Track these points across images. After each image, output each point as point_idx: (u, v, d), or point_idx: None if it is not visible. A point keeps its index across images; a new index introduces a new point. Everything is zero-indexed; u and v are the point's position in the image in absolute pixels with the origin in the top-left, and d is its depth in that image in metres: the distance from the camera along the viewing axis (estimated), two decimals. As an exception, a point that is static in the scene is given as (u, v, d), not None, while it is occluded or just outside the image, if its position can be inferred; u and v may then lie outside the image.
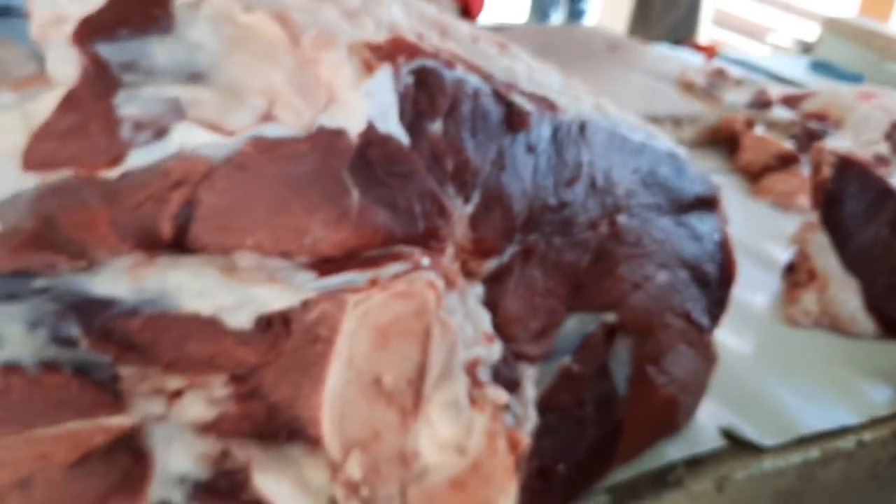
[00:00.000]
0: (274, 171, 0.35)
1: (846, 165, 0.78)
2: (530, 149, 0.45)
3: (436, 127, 0.40)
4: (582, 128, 0.48)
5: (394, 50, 0.39)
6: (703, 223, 0.58)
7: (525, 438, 0.41)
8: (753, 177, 1.06)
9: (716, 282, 0.58)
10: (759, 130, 1.10)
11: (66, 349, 0.32)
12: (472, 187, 0.42)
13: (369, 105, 0.37)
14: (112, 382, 0.34)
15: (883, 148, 1.20)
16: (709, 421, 0.59)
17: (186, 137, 0.34)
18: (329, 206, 0.36)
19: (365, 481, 0.38)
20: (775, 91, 1.44)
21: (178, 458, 0.35)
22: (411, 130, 0.39)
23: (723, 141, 1.14)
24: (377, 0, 0.43)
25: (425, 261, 0.38)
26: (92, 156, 0.34)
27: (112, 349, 0.33)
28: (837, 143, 1.10)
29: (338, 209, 0.36)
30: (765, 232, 0.94)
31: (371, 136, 0.37)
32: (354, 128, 0.36)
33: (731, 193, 1.01)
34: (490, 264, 0.43)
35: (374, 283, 0.36)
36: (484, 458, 0.39)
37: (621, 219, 0.50)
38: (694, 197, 0.57)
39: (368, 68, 0.37)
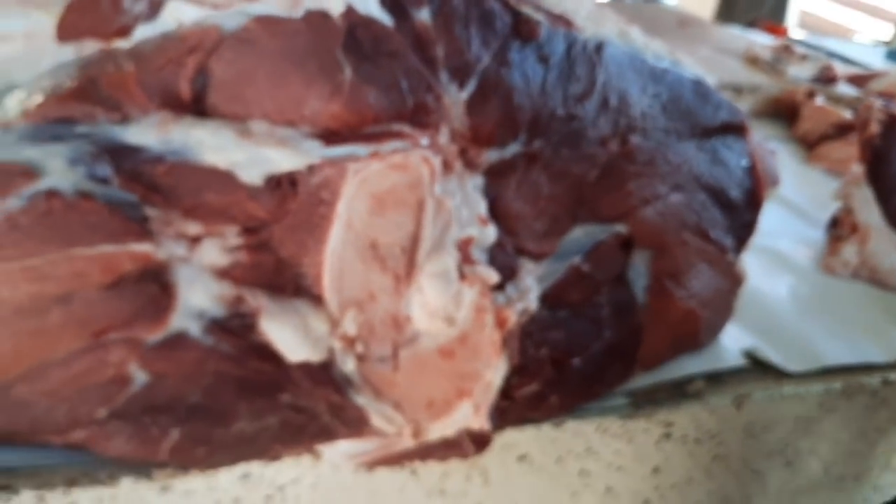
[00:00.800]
0: (275, 46, 0.39)
1: (893, 120, 0.78)
2: (542, 58, 0.47)
3: (422, 15, 0.43)
4: (598, 48, 0.50)
5: None
6: (728, 149, 0.60)
7: (512, 317, 0.44)
8: (810, 145, 1.06)
9: (742, 205, 0.60)
10: (819, 101, 1.10)
11: (100, 185, 0.37)
12: (467, 75, 0.45)
13: None
14: (141, 222, 0.38)
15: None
16: (733, 343, 0.61)
17: (178, 13, 0.39)
18: (324, 80, 0.40)
19: (360, 338, 0.42)
20: (842, 70, 1.42)
21: (198, 295, 0.39)
22: (394, 14, 0.42)
23: (783, 111, 1.14)
24: None
25: (424, 140, 0.42)
26: (104, 25, 0.39)
27: (139, 189, 0.38)
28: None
29: (331, 83, 0.40)
30: (817, 196, 0.94)
31: (354, 18, 0.41)
32: (335, 10, 0.40)
33: (787, 160, 1.01)
34: (490, 155, 0.46)
35: (374, 155, 0.40)
36: (472, 330, 0.43)
37: (634, 139, 0.52)
38: (719, 123, 0.59)
39: None
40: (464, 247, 0.43)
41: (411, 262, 0.41)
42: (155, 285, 0.39)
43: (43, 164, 0.37)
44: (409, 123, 0.42)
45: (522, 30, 0.47)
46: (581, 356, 0.50)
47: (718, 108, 0.59)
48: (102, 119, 0.38)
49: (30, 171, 0.36)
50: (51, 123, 0.38)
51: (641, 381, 0.55)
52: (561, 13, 0.50)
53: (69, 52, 0.42)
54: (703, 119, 0.58)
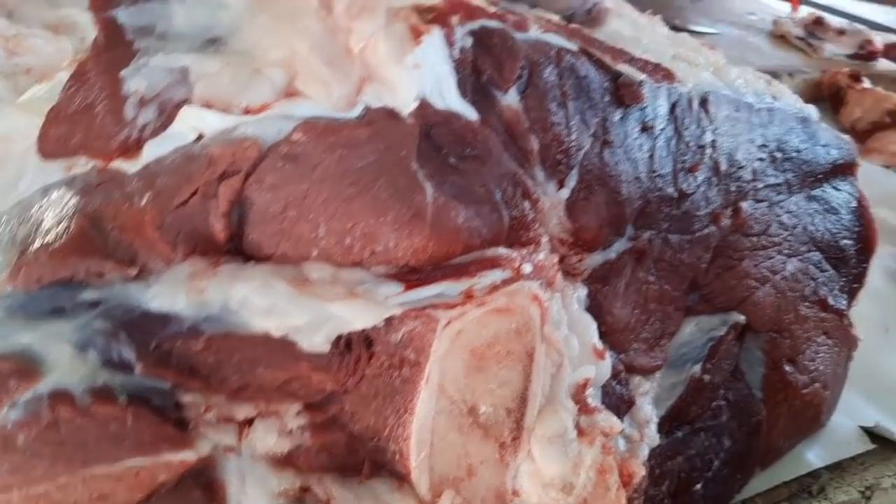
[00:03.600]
0: (331, 162, 0.30)
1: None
2: (645, 128, 0.38)
3: (510, 98, 0.34)
4: (704, 101, 0.41)
5: (448, 10, 0.33)
6: (838, 192, 0.51)
7: (640, 470, 0.35)
8: (861, 135, 0.97)
9: (854, 254, 0.51)
10: (866, 84, 1.01)
11: (120, 374, 0.28)
12: (568, 168, 0.36)
13: (419, 78, 0.31)
14: (173, 411, 0.29)
15: None
16: (848, 416, 0.53)
17: (197, 121, 0.29)
18: (399, 203, 0.30)
19: (459, 523, 0.33)
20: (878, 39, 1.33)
21: (254, 494, 0.30)
22: (477, 103, 0.33)
23: (826, 96, 1.04)
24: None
25: (527, 267, 0.32)
26: (100, 140, 0.29)
27: (171, 375, 0.28)
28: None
29: (409, 207, 0.30)
30: (877, 195, 0.85)
31: (431, 116, 0.31)
32: (405, 107, 0.31)
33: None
34: (594, 260, 0.37)
35: (468, 296, 0.31)
36: (593, 496, 0.34)
37: (746, 206, 0.43)
38: (829, 165, 0.50)
39: (415, 35, 0.32)
40: (580, 393, 0.34)
41: (519, 424, 0.32)
42: (197, 490, 0.29)
43: (43, 355, 0.27)
44: (505, 243, 0.33)
45: (625, 94, 0.38)
46: (703, 479, 0.41)
47: (828, 149, 0.50)
48: (114, 277, 0.29)
49: (26, 368, 0.27)
50: (47, 288, 0.28)
51: (758, 482, 0.47)
52: (656, 63, 0.41)
53: (56, 171, 0.32)
54: (814, 164, 0.49)
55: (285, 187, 0.30)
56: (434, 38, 0.32)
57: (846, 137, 0.52)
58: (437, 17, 0.33)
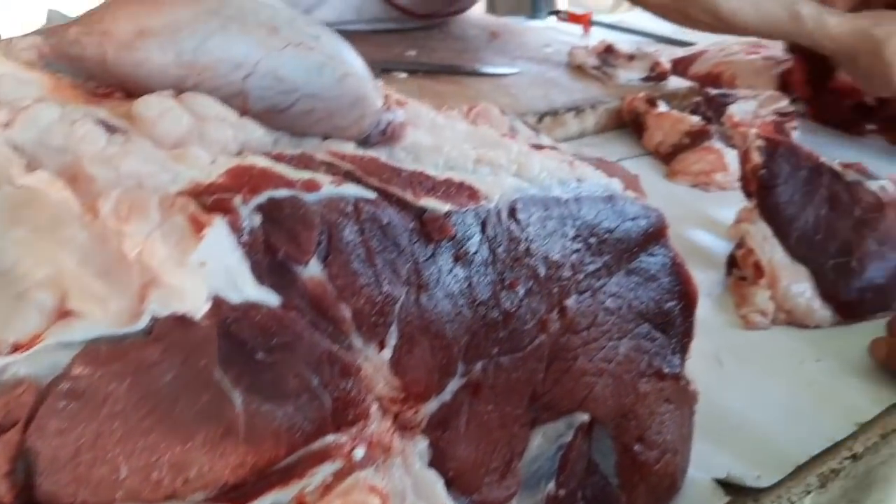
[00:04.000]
0: (120, 393, 0.27)
1: (773, 147, 0.74)
2: (458, 258, 0.37)
3: (311, 269, 0.32)
4: (513, 210, 0.41)
5: (229, 186, 0.31)
6: (654, 258, 0.52)
7: None
8: (666, 158, 1.01)
9: (679, 314, 0.52)
10: (661, 107, 1.06)
11: None
12: (386, 326, 0.34)
13: (208, 276, 0.29)
14: None
15: (783, 102, 1.17)
16: (701, 469, 0.54)
17: None
18: (208, 424, 0.27)
19: None
20: (664, 56, 1.40)
21: None
22: (277, 286, 0.31)
23: (628, 123, 1.09)
24: (216, 114, 0.35)
25: (359, 451, 0.30)
26: None
27: None
28: (742, 108, 1.06)
29: (220, 425, 0.28)
30: (689, 217, 0.89)
31: (228, 313, 0.29)
32: (196, 311, 0.28)
33: (647, 178, 0.95)
34: (429, 408, 0.36)
35: (300, 502, 0.28)
36: None
37: (571, 302, 0.43)
38: (641, 236, 0.50)
39: (196, 229, 0.29)
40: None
41: None
42: None
43: None
44: (332, 429, 0.30)
45: (433, 231, 0.36)
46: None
47: (637, 220, 0.51)
48: None
49: None
50: None
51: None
52: (460, 181, 0.40)
53: None
54: (627, 240, 0.49)
55: (73, 430, 0.27)
56: (218, 228, 0.29)
57: (652, 206, 0.53)
58: (217, 202, 0.30)
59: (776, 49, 1.32)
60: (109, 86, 0.37)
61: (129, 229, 0.28)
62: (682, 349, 0.53)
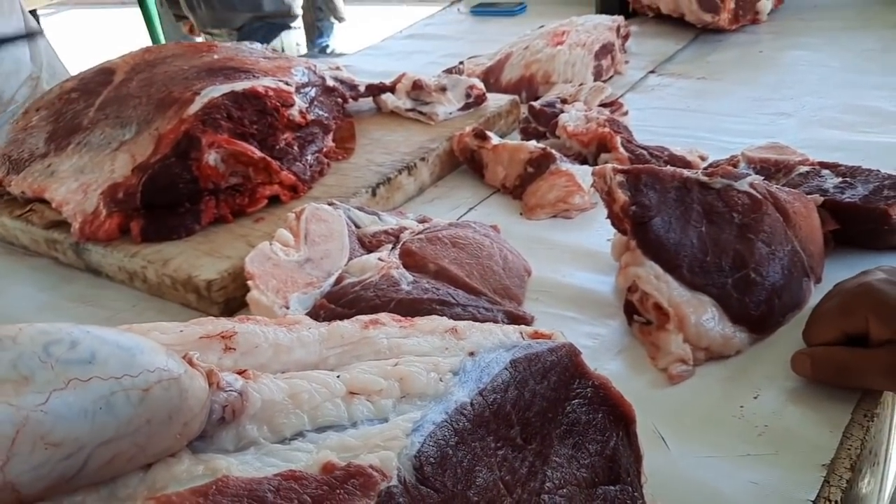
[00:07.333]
0: None
1: (636, 178, 0.67)
2: None
3: None
4: (420, 471, 0.31)
5: None
6: (578, 399, 0.44)
7: None
8: (515, 191, 0.94)
9: (623, 443, 0.45)
10: (494, 139, 0.98)
11: None
12: None
13: None
14: None
15: (607, 91, 1.13)
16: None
17: None
18: None
19: None
20: (468, 67, 1.34)
21: None
22: None
23: (465, 162, 1.01)
24: None
25: None
26: None
27: None
28: (573, 116, 1.01)
29: None
30: (564, 259, 0.82)
31: None
32: None
33: (504, 222, 0.88)
34: None
35: None
36: None
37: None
38: (563, 387, 0.43)
39: None
40: None
41: None
42: None
43: None
44: None
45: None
46: None
47: (550, 373, 0.42)
48: None
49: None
50: None
51: None
52: (347, 464, 0.30)
53: None
54: (551, 398, 0.41)
55: None
56: None
57: (557, 342, 0.45)
58: None
59: (578, 33, 1.28)
60: None
61: None
62: (637, 472, 0.46)
